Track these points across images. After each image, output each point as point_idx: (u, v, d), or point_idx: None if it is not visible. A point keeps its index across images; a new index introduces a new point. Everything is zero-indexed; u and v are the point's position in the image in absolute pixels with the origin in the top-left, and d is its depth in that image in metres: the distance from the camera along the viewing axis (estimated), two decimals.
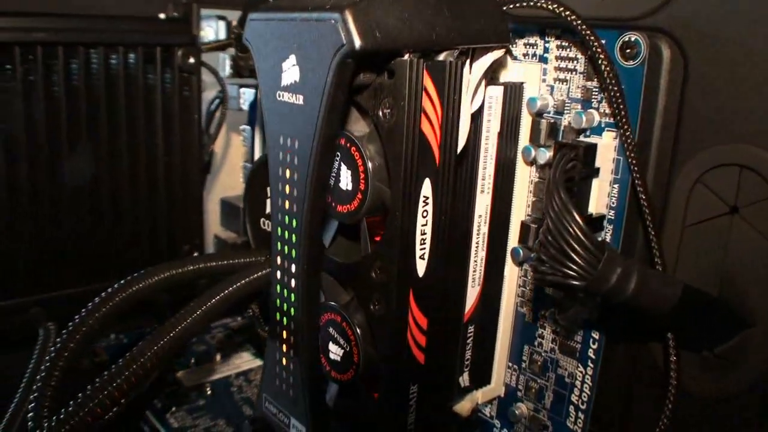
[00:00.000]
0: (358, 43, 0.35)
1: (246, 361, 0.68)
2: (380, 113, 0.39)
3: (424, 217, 0.41)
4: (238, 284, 0.49)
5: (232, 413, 0.59)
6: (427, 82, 0.38)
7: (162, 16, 0.63)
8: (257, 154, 0.65)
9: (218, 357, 0.68)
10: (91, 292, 0.50)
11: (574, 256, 0.39)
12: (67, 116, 0.58)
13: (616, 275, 0.39)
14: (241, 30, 0.59)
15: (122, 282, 0.47)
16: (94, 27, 0.58)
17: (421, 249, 0.41)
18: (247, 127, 0.70)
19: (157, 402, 0.60)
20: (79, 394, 0.40)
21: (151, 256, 0.65)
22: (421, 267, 0.41)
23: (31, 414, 0.41)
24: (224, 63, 0.70)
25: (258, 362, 0.68)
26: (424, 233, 0.41)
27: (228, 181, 0.77)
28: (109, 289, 0.47)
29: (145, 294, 0.47)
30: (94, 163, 0.61)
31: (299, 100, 0.39)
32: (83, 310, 0.46)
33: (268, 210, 0.56)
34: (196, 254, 0.67)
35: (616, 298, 0.40)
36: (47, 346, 0.54)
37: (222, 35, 0.72)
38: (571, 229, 0.39)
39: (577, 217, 0.39)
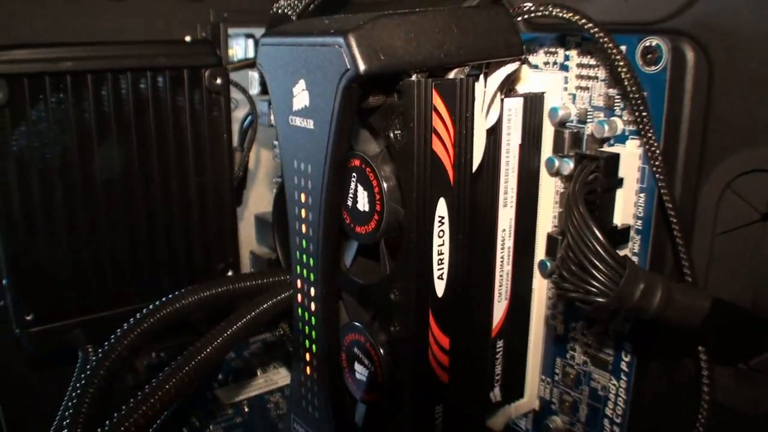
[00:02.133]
0: (362, 67, 0.35)
1: (283, 377, 0.68)
2: (391, 135, 0.38)
3: (440, 237, 0.40)
4: (267, 304, 0.50)
5: (269, 428, 0.60)
6: (437, 102, 0.38)
7: (188, 39, 0.64)
8: None
9: (256, 373, 0.69)
10: (130, 313, 0.51)
11: (595, 272, 0.38)
12: (99, 142, 0.60)
13: (640, 291, 0.38)
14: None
15: (156, 303, 0.48)
16: (121, 53, 0.59)
17: (439, 269, 0.40)
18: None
19: (195, 420, 0.61)
20: (107, 421, 0.41)
21: (188, 276, 0.66)
22: (440, 287, 0.41)
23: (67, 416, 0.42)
24: (253, 80, 0.71)
25: None
26: (442, 253, 0.40)
27: (262, 196, 0.78)
28: (144, 311, 0.48)
29: (179, 315, 0.48)
30: (128, 186, 0.62)
31: (310, 124, 0.39)
32: (118, 330, 0.47)
33: None
34: (230, 273, 0.68)
35: (642, 314, 0.38)
36: (85, 368, 0.55)
37: (250, 53, 0.73)
38: (590, 245, 0.38)
39: (597, 232, 0.38)
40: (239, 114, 0.75)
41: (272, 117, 0.71)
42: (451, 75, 0.39)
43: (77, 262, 0.61)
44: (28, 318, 0.60)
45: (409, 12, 0.37)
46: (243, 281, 0.53)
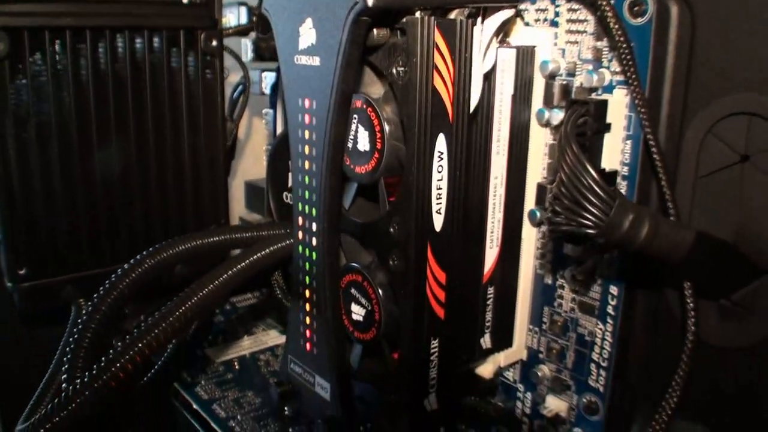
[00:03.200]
0: (371, 1, 0.36)
1: (272, 338, 0.69)
2: (394, 71, 0.40)
3: (439, 172, 0.42)
4: (262, 253, 0.51)
5: (260, 385, 0.61)
6: (439, 40, 0.39)
7: (185, 0, 0.66)
8: None
9: (245, 335, 0.70)
10: None
11: (588, 205, 0.40)
12: (95, 100, 0.60)
13: (629, 221, 0.40)
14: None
15: (150, 250, 0.49)
16: (119, 11, 0.60)
17: (437, 203, 0.42)
18: (270, 111, 0.72)
19: (187, 376, 0.62)
20: (108, 353, 0.42)
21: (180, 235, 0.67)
22: (438, 221, 0.43)
23: (65, 373, 0.43)
24: (246, 49, 0.72)
25: (284, 339, 0.69)
26: (440, 188, 0.42)
27: (252, 165, 0.79)
28: (138, 257, 0.49)
29: (171, 262, 0.49)
30: (123, 145, 0.63)
31: (316, 61, 0.41)
32: (112, 275, 0.48)
33: (290, 184, 0.58)
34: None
35: (630, 245, 0.40)
36: (81, 313, 0.56)
37: (243, 20, 0.74)
38: (584, 179, 0.40)
39: (589, 167, 0.40)
40: (230, 82, 0.76)
41: (264, 83, 0.73)
42: (452, 15, 0.41)
43: (72, 218, 0.62)
44: (21, 273, 0.60)
45: None
46: (237, 232, 0.54)
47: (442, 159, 0.42)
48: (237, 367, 0.64)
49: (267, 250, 0.51)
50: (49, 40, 0.57)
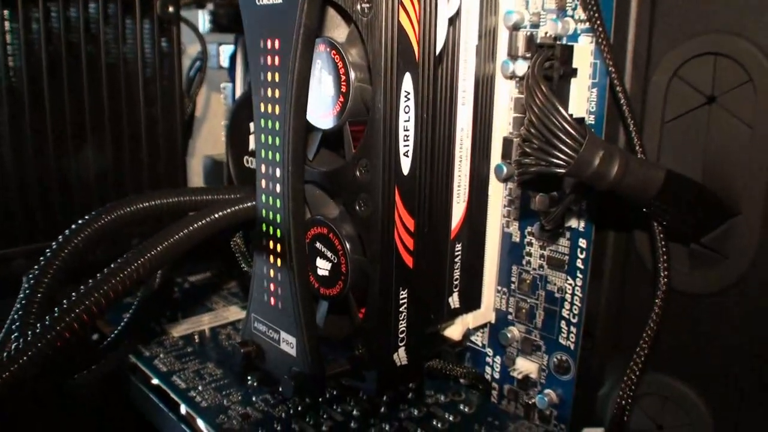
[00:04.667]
0: None
1: (233, 313, 0.67)
2: (359, 7, 0.39)
3: (406, 113, 0.41)
4: (221, 213, 0.49)
5: (221, 356, 0.59)
6: None
7: None
8: None
9: (206, 312, 0.68)
10: None
11: (557, 142, 0.39)
12: (48, 68, 0.58)
13: (599, 157, 0.39)
14: None
15: (108, 205, 0.47)
16: None
17: (404, 146, 0.41)
18: (228, 84, 0.70)
19: (145, 351, 0.59)
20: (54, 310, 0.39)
21: None
22: (405, 164, 0.41)
23: (15, 323, 0.40)
24: (204, 20, 0.71)
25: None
26: (407, 129, 0.41)
27: (209, 141, 0.77)
28: (93, 213, 0.46)
29: (128, 220, 0.47)
30: (76, 116, 0.61)
31: (279, 0, 0.39)
32: (66, 230, 0.46)
33: (251, 147, 0.56)
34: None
35: (600, 183, 0.40)
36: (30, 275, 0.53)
37: None
38: (553, 118, 0.39)
39: (558, 105, 0.39)
40: (186, 59, 0.75)
41: (221, 56, 0.71)
42: None
43: (23, 191, 0.59)
44: None
45: None
46: (198, 194, 0.52)
47: (408, 99, 0.41)
48: (197, 340, 0.62)
49: (227, 210, 0.49)
50: None
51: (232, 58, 0.68)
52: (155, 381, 0.56)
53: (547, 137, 0.40)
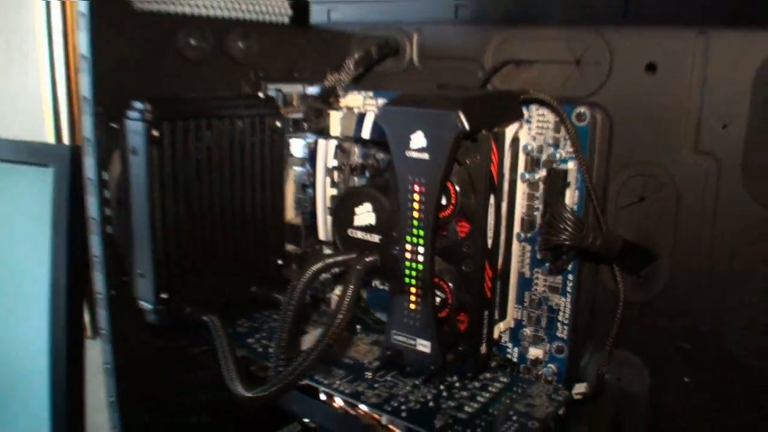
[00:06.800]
0: (466, 127, 0.68)
1: None
2: (468, 161, 0.72)
3: (490, 214, 0.74)
4: (360, 267, 0.79)
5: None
6: (492, 144, 0.72)
7: (261, 95, 0.93)
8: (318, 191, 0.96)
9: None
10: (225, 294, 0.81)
11: (567, 228, 0.74)
12: (207, 168, 0.86)
13: (591, 236, 0.74)
14: (316, 103, 0.90)
15: (310, 264, 0.76)
16: (221, 105, 0.86)
17: (489, 235, 0.74)
18: (299, 169, 1.00)
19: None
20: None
21: (260, 266, 0.93)
22: (489, 242, 0.75)
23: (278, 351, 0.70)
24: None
25: None
26: (489, 223, 0.74)
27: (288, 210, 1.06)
28: (309, 271, 0.76)
29: (318, 275, 0.77)
30: (223, 199, 0.89)
31: (425, 156, 0.71)
32: (292, 285, 0.75)
33: (356, 223, 0.87)
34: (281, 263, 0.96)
35: (590, 248, 0.75)
36: (218, 328, 0.82)
37: (280, 102, 1.01)
38: (565, 214, 0.74)
39: (567, 207, 0.74)
40: None
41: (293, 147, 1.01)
42: (496, 129, 0.73)
43: (195, 255, 0.87)
44: (163, 296, 0.84)
45: (479, 93, 0.72)
46: (337, 256, 0.82)
47: (491, 207, 0.74)
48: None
49: (364, 264, 0.80)
50: (182, 128, 0.82)
51: (312, 153, 0.98)
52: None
53: (558, 225, 0.74)
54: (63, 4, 1.35)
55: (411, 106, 0.72)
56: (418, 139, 0.71)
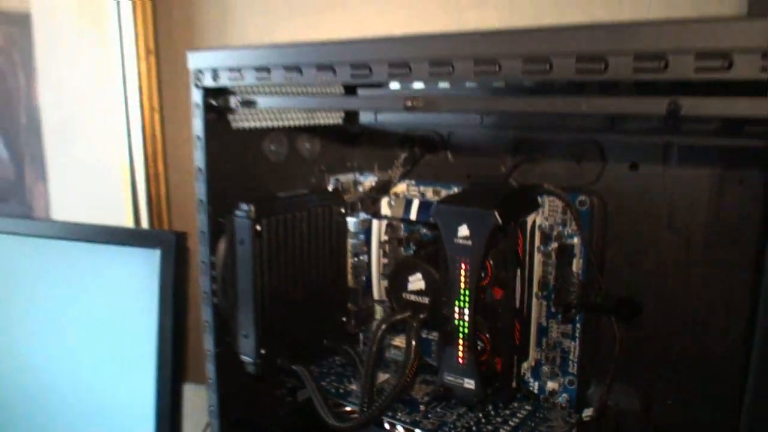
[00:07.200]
0: (500, 222, 0.92)
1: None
2: (501, 245, 0.96)
3: (518, 283, 0.98)
4: (416, 324, 1.03)
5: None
6: (518, 233, 0.96)
7: (329, 188, 1.17)
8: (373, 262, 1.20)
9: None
10: (305, 346, 1.05)
11: (575, 291, 0.98)
12: (292, 246, 1.10)
13: (593, 295, 0.98)
14: (372, 192, 1.15)
15: (381, 326, 1.00)
16: (302, 200, 1.11)
17: (517, 297, 0.99)
18: (353, 241, 1.24)
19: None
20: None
21: (331, 324, 1.17)
22: (516, 303, 0.99)
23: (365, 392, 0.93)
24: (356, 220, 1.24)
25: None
26: (517, 290, 0.99)
27: None
28: (380, 329, 1.00)
29: (387, 332, 1.01)
30: (304, 271, 1.13)
31: (469, 242, 0.95)
32: (370, 337, 0.99)
33: (409, 287, 1.11)
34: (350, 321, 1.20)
35: (594, 306, 0.99)
36: (307, 376, 1.06)
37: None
38: (573, 280, 0.99)
39: (575, 273, 0.99)
40: None
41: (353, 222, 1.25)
42: (520, 220, 0.98)
43: (284, 319, 1.11)
44: (262, 351, 1.08)
45: (508, 191, 0.97)
46: (395, 315, 1.06)
47: (518, 276, 0.98)
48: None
49: (416, 325, 1.04)
50: (275, 221, 1.07)
51: (366, 230, 1.22)
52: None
53: (569, 287, 0.99)
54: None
55: (459, 206, 0.96)
56: (463, 230, 0.96)
